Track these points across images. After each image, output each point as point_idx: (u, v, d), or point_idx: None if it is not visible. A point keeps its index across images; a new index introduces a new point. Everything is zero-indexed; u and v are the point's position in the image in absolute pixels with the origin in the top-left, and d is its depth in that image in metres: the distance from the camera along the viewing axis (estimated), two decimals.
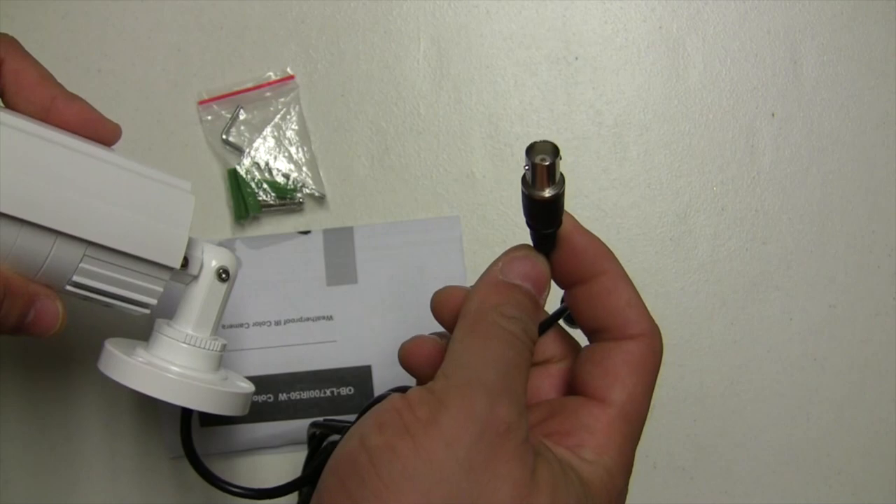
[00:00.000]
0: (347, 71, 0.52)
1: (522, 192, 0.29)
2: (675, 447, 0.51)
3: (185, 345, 0.38)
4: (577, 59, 0.52)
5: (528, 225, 0.31)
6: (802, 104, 0.52)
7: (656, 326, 0.32)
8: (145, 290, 0.36)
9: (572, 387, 0.32)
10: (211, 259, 0.38)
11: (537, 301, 0.31)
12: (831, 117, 0.52)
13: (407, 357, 0.34)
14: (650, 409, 0.31)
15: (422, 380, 0.35)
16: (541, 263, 0.31)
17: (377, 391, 0.49)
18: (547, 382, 0.34)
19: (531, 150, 0.28)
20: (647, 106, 0.52)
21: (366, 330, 0.49)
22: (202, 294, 0.38)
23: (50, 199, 0.33)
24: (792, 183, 0.52)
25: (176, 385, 0.36)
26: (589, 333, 0.33)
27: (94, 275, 0.35)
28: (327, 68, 0.52)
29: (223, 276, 0.38)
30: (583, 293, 0.32)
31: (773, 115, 0.52)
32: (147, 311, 0.37)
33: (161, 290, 0.37)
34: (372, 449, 0.26)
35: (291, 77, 0.52)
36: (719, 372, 0.51)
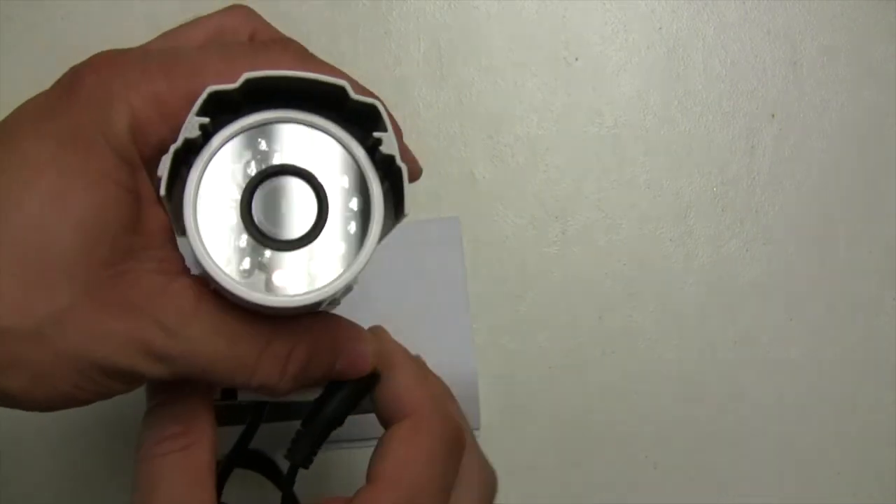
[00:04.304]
0: (347, 71, 0.52)
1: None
2: (675, 447, 0.51)
3: None
4: (577, 59, 0.52)
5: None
6: (802, 104, 0.52)
7: (432, 402, 0.31)
8: None
9: None
10: None
11: None
12: (831, 117, 0.52)
13: None
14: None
15: None
16: None
17: None
18: None
19: None
20: (646, 107, 0.52)
21: None
22: None
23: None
24: (792, 183, 0.52)
25: None
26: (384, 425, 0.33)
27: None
28: None
29: None
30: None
31: (772, 115, 0.52)
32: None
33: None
34: None
35: None
36: (719, 372, 0.51)
